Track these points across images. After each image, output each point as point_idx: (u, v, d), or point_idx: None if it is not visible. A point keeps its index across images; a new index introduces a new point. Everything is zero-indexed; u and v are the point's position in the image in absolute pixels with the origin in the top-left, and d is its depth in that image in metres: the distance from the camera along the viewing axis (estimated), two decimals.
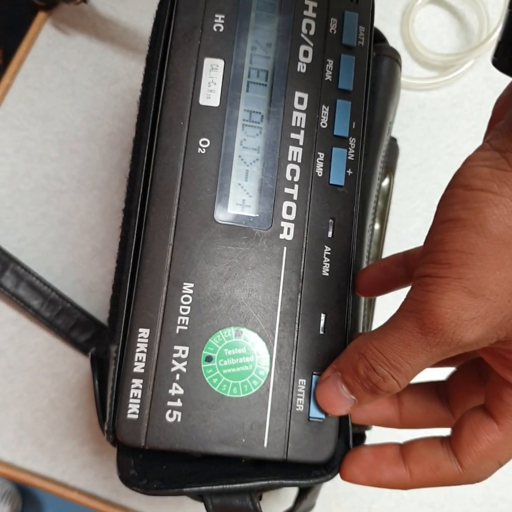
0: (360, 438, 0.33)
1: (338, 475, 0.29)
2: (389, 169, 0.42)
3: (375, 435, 0.35)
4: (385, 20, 0.52)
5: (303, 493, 0.32)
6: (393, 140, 0.42)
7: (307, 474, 0.28)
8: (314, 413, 0.28)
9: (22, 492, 0.47)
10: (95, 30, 0.49)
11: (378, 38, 0.37)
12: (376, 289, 0.32)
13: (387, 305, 0.46)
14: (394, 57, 0.37)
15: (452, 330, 0.23)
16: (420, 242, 0.52)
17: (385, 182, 0.42)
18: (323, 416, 0.28)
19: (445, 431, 0.29)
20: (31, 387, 0.43)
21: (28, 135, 0.46)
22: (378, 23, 0.36)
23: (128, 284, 0.28)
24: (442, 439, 0.28)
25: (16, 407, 0.43)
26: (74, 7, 0.47)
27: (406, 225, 0.48)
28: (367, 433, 0.34)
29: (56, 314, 0.43)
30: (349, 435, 0.29)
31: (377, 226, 0.42)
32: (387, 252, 0.47)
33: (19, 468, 0.42)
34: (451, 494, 0.44)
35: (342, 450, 0.29)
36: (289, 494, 0.42)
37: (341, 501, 0.44)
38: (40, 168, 0.46)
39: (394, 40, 0.52)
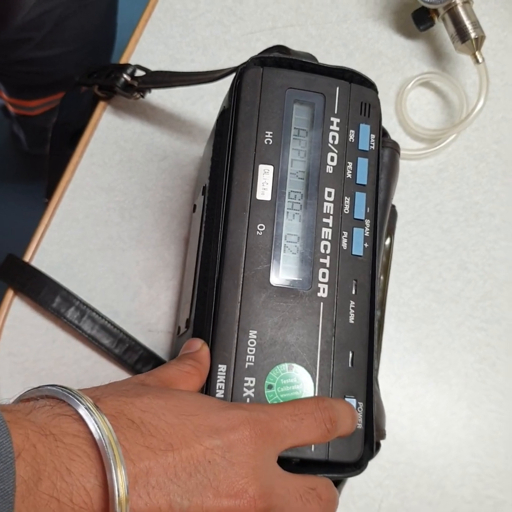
0: (377, 445, 0.43)
1: (353, 479, 0.39)
2: (390, 230, 0.53)
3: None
4: (382, 100, 0.63)
5: (337, 485, 0.42)
6: (393, 207, 0.53)
7: (342, 470, 0.39)
8: None
9: None
10: (146, 115, 0.60)
11: (382, 133, 0.48)
12: None
13: (389, 338, 0.56)
14: (395, 148, 0.48)
15: None
16: (415, 285, 0.63)
17: (387, 241, 0.53)
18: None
19: None
20: None
21: (95, 204, 0.57)
22: None
23: (210, 332, 0.39)
24: None
25: None
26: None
27: (403, 271, 0.59)
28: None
29: (124, 351, 0.53)
30: (373, 442, 0.39)
31: (381, 277, 0.53)
32: (389, 295, 0.57)
33: None
34: (446, 494, 0.54)
35: (367, 453, 0.39)
36: None
37: (356, 501, 0.54)
38: (105, 231, 0.56)
39: (389, 117, 0.63)
